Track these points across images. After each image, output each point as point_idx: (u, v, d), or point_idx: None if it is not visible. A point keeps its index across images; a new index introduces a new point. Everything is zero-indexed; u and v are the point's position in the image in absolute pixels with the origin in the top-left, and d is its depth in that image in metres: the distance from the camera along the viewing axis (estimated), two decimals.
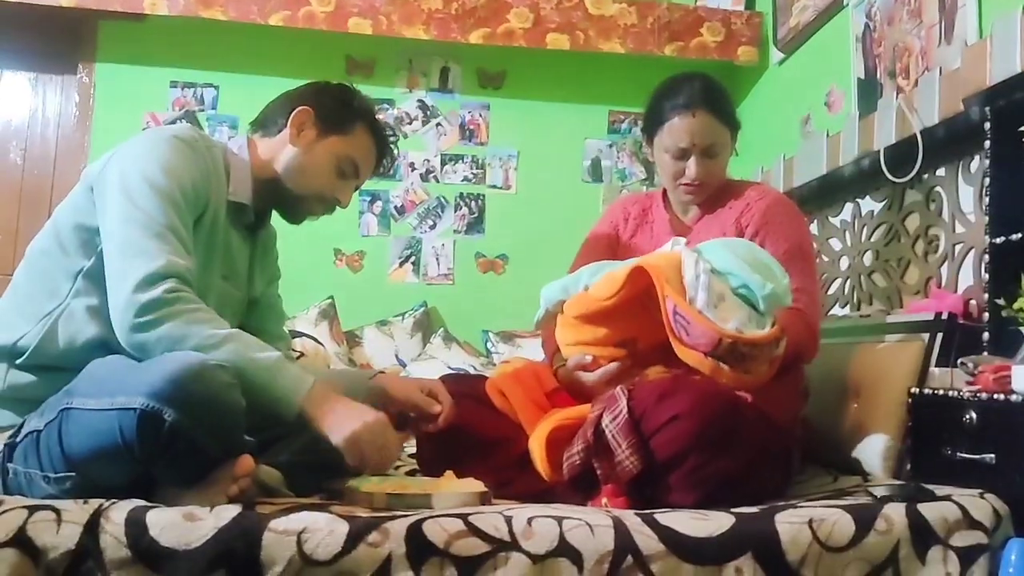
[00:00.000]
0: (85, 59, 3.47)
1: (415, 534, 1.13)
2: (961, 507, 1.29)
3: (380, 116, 1.70)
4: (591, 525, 1.17)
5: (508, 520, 1.17)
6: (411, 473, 1.75)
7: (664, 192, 1.88)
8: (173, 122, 3.44)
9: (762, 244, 1.66)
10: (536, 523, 1.17)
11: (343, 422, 1.36)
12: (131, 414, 1.19)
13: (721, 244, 1.53)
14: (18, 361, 1.40)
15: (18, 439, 1.33)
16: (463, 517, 1.17)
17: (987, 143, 1.79)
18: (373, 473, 1.42)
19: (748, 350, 1.39)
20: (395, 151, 1.73)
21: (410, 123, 3.63)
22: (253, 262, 1.67)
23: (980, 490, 1.34)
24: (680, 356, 1.41)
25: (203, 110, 3.51)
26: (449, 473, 1.49)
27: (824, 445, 1.84)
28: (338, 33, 3.28)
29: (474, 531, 1.14)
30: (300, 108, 1.59)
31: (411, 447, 1.94)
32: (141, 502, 1.16)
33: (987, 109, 1.80)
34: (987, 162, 1.79)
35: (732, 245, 1.53)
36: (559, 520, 1.18)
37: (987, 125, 1.80)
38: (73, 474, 1.26)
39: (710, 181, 1.76)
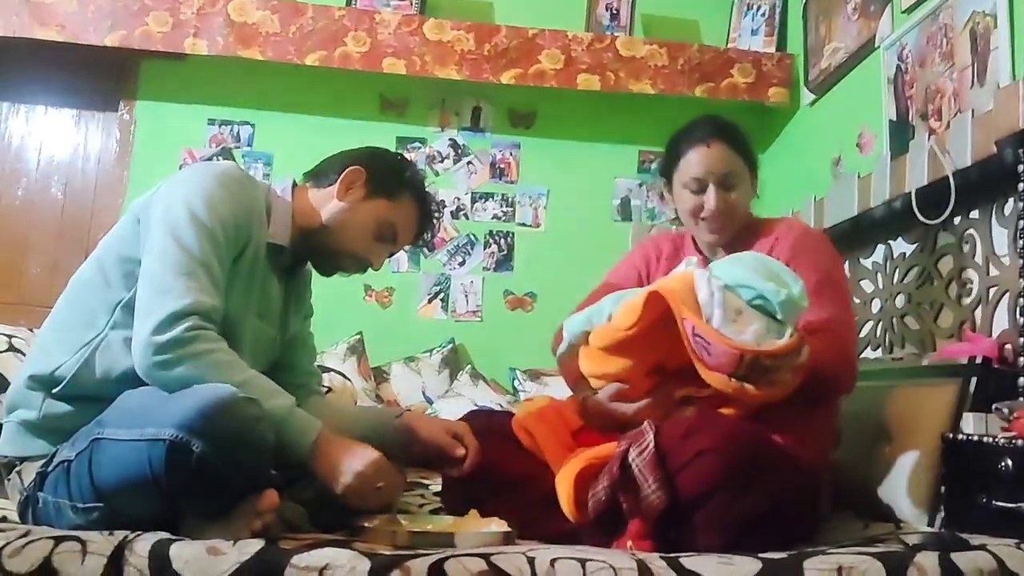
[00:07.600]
0: (127, 97, 3.56)
1: (437, 572, 1.11)
2: (996, 557, 1.24)
3: (430, 191, 1.72)
4: (615, 568, 1.15)
5: (531, 561, 1.15)
6: (435, 511, 1.74)
7: None
8: (210, 158, 3.51)
9: None
10: (559, 564, 1.15)
11: (339, 475, 1.38)
12: (160, 445, 1.21)
13: (730, 260, 1.53)
14: (55, 390, 1.42)
15: (49, 468, 1.36)
16: (485, 557, 1.15)
17: (1020, 185, 1.77)
18: (380, 510, 1.42)
19: (771, 362, 1.37)
20: (436, 226, 1.75)
21: (441, 161, 3.67)
22: (287, 303, 1.68)
23: (1016, 540, 1.31)
24: (705, 379, 1.40)
25: (239, 147, 3.58)
26: (473, 512, 1.49)
27: (856, 490, 1.81)
28: (373, 73, 3.33)
29: (496, 571, 1.13)
30: (353, 167, 1.62)
31: (437, 485, 1.94)
32: (165, 535, 1.16)
33: (1020, 151, 1.79)
34: (1021, 204, 1.77)
35: (741, 259, 1.53)
36: (582, 562, 1.16)
37: (1020, 167, 1.78)
38: (101, 504, 1.28)
39: (730, 214, 1.76)
